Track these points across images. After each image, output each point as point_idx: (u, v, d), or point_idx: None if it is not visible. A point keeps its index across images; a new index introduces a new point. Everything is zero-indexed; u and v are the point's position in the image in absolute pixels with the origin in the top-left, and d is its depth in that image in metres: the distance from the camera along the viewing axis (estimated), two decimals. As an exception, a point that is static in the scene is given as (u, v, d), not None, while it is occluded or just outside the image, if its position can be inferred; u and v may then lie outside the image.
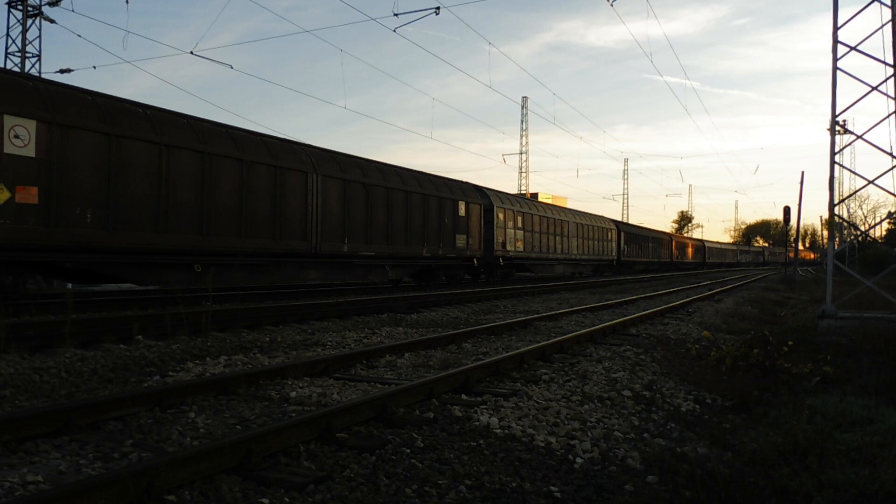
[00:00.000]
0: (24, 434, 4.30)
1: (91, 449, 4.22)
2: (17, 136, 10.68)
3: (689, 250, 71.12)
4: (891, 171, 11.69)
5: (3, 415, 4.57)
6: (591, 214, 42.56)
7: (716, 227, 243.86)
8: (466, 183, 26.36)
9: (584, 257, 38.43)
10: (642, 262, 51.53)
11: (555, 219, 33.71)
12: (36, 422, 4.41)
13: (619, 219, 73.75)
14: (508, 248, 27.85)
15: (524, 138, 61.81)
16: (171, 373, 6.97)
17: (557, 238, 33.92)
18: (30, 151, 10.92)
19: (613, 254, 44.36)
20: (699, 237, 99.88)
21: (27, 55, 26.13)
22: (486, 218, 26.23)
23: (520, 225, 29.15)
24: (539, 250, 31.31)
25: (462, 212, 24.29)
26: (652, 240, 55.34)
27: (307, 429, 4.39)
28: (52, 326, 8.55)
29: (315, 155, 17.53)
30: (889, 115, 11.74)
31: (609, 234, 43.56)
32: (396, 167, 21.64)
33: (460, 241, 24.10)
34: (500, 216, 27.23)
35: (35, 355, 7.54)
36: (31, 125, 10.97)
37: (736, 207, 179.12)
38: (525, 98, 61.65)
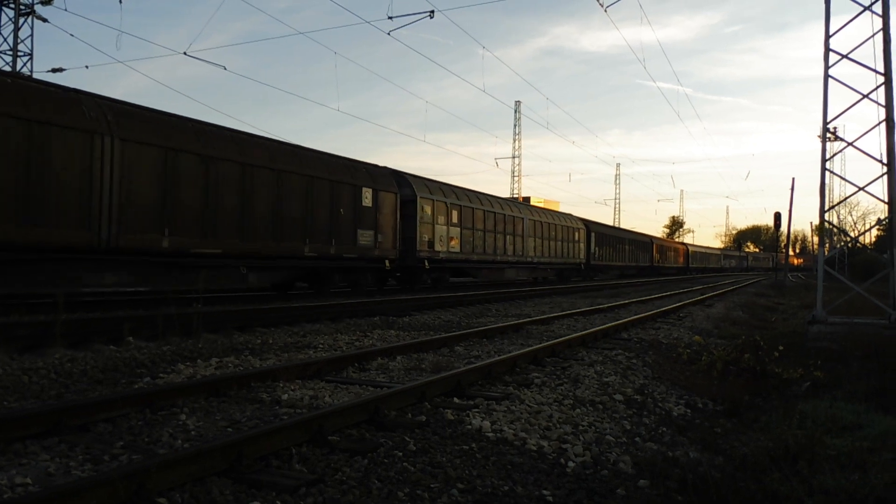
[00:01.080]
0: (13, 435, 4.26)
1: (81, 450, 4.19)
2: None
3: (671, 254, 67.27)
4: (881, 178, 11.76)
5: (-9, 416, 4.54)
6: (554, 212, 38.43)
7: (707, 233, 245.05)
8: (379, 167, 21.36)
9: (544, 260, 33.63)
10: (617, 266, 47.60)
11: (504, 215, 28.67)
12: (25, 423, 4.38)
13: (612, 223, 73.53)
14: (438, 247, 23.03)
15: (517, 142, 62.04)
16: (161, 374, 6.94)
17: (509, 237, 28.97)
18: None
19: (582, 256, 39.54)
20: (687, 241, 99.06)
21: (19, 54, 26.01)
22: (406, 211, 21.44)
23: (455, 221, 24.33)
24: (483, 251, 26.52)
25: (367, 201, 19.28)
26: (629, 242, 51.50)
27: (299, 431, 4.38)
28: (42, 326, 8.50)
29: (115, 111, 12.62)
30: (879, 123, 11.81)
31: (576, 234, 38.69)
32: (266, 139, 16.83)
33: (364, 237, 19.12)
34: (427, 209, 22.51)
35: (25, 356, 7.50)
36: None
37: (727, 213, 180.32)
38: (518, 102, 61.96)
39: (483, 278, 29.26)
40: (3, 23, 26.08)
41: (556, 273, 36.85)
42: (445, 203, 23.76)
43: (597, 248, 42.42)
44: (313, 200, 17.02)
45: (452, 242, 24.04)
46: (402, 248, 20.99)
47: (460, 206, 24.81)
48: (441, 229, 23.25)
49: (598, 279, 41.48)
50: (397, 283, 22.70)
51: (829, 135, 12.44)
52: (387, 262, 20.00)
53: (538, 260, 32.84)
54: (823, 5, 12.04)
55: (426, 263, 22.30)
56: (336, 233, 17.85)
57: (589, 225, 41.67)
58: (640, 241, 55.34)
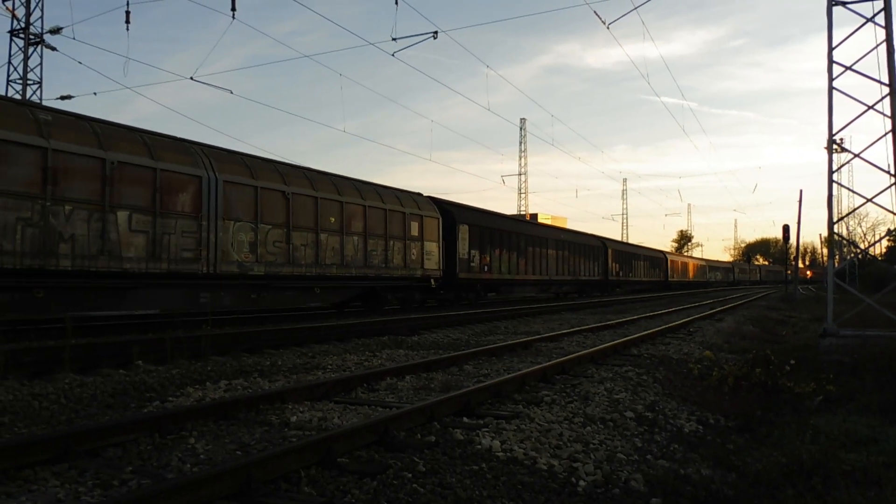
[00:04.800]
0: (23, 461, 4.26)
1: (90, 476, 4.19)
2: None
3: (684, 268, 65.44)
4: (889, 189, 11.73)
5: (1, 442, 4.54)
6: (573, 231, 39.85)
7: (715, 246, 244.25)
8: (421, 195, 22.87)
9: (566, 278, 34.84)
10: (632, 281, 48.12)
11: (528, 235, 30.48)
12: (35, 449, 4.38)
13: (620, 239, 72.93)
14: (474, 266, 24.84)
15: (523, 159, 62.20)
16: (170, 398, 6.94)
17: (533, 257, 30.55)
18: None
19: (600, 273, 40.67)
20: (696, 255, 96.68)
21: (28, 82, 26.34)
22: (447, 234, 22.96)
23: (486, 242, 25.86)
24: (508, 270, 27.88)
25: (415, 227, 21.01)
26: (644, 258, 51.97)
27: (308, 454, 4.36)
28: (51, 352, 8.52)
29: (214, 156, 14.71)
30: (886, 134, 11.80)
31: (594, 251, 40.15)
32: (330, 174, 18.51)
33: (413, 260, 20.81)
34: (464, 233, 24.17)
35: (34, 381, 7.51)
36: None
37: (735, 226, 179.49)
38: (523, 119, 62.20)
39: (511, 294, 30.68)
40: (13, 52, 26.47)
41: (577, 289, 38.22)
42: (479, 227, 25.68)
43: (614, 265, 43.24)
44: (370, 227, 19.05)
45: (485, 262, 25.86)
46: (446, 269, 22.95)
47: (491, 228, 26.68)
48: (475, 250, 25.14)
49: (615, 294, 41.91)
50: (440, 300, 24.27)
51: (835, 146, 12.41)
52: (432, 280, 21.93)
53: (560, 278, 34.11)
54: (826, 18, 12.09)
55: (465, 282, 24.49)
56: (389, 257, 19.83)
57: (606, 242, 42.85)
58: (654, 257, 55.84)
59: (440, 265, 22.38)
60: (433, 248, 22.05)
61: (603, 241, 42.54)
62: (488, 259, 26.04)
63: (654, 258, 56.20)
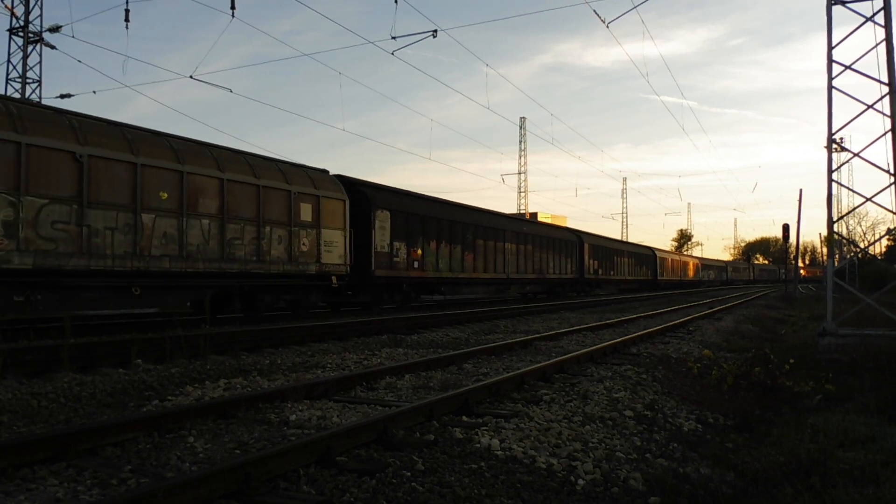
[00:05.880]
0: (22, 460, 4.26)
1: (89, 475, 4.19)
2: None
3: (678, 267, 61.82)
4: (889, 188, 11.74)
5: (0, 441, 4.54)
6: (539, 223, 34.54)
7: (716, 246, 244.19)
8: (320, 171, 18.26)
9: (528, 276, 29.89)
10: (614, 280, 43.37)
11: (476, 226, 25.41)
12: (33, 448, 4.38)
13: (620, 238, 72.34)
14: (399, 262, 20.45)
15: (522, 158, 62.16)
16: (169, 397, 6.94)
17: (484, 250, 25.76)
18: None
19: (573, 271, 35.68)
20: (696, 254, 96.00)
21: (28, 81, 26.32)
22: (359, 221, 18.69)
23: (418, 232, 21.62)
24: (450, 267, 23.42)
25: (307, 210, 16.66)
26: (629, 255, 47.12)
27: (307, 452, 4.37)
28: (50, 351, 8.52)
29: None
30: (885, 133, 11.80)
31: (567, 246, 35.03)
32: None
33: (303, 250, 16.44)
34: (384, 219, 19.87)
35: (33, 380, 7.51)
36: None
37: (735, 225, 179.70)
38: (523, 118, 62.03)
39: (452, 295, 26.17)
40: (12, 51, 26.45)
41: (545, 289, 33.37)
42: (406, 213, 21.11)
43: (592, 262, 38.54)
44: (232, 207, 14.54)
45: (415, 256, 21.31)
46: (356, 264, 18.39)
47: (424, 216, 22.15)
48: (400, 242, 20.54)
49: (596, 295, 37.82)
50: (349, 304, 19.85)
51: (834, 145, 12.41)
52: (334, 279, 17.29)
53: (522, 276, 29.19)
54: (825, 17, 12.09)
55: (384, 280, 19.80)
56: (265, 247, 15.31)
57: (582, 236, 38.08)
58: (641, 254, 51.24)
59: (346, 259, 17.72)
60: (336, 237, 17.42)
61: (578, 235, 37.81)
62: (419, 253, 21.44)
63: (642, 255, 51.38)
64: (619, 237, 70.89)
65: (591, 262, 38.44)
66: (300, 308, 16.91)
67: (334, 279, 17.32)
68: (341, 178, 18.97)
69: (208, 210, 14.01)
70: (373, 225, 19.24)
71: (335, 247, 17.43)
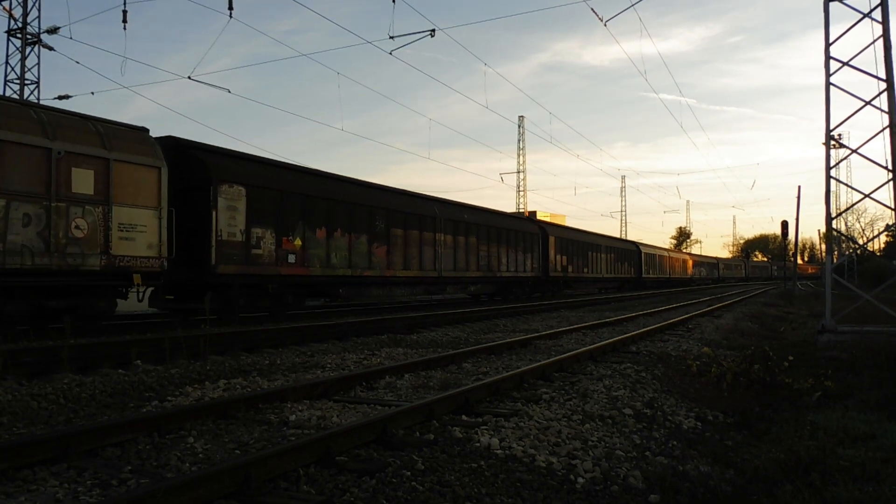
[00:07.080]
0: (22, 462, 4.26)
1: (89, 476, 4.19)
2: None
3: (669, 265, 57.74)
4: (887, 185, 11.74)
5: (0, 442, 4.54)
6: (488, 210, 28.27)
7: (715, 243, 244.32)
8: (128, 126, 12.70)
9: (469, 275, 24.79)
10: (589, 278, 38.32)
11: (392, 210, 20.27)
12: (34, 449, 4.38)
13: (619, 236, 71.92)
14: (263, 255, 15.23)
15: (521, 157, 62.09)
16: (169, 397, 6.94)
17: (403, 242, 20.76)
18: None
19: (534, 269, 30.44)
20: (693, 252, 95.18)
21: (26, 82, 26.29)
22: (194, 197, 13.75)
23: (297, 215, 16.33)
24: (349, 263, 18.02)
25: (86, 182, 10.96)
26: (608, 250, 42.19)
27: (307, 452, 4.37)
28: (50, 352, 8.52)
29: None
30: (883, 129, 11.80)
31: (526, 239, 29.83)
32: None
33: (75, 236, 10.90)
34: (236, 197, 14.33)
35: (33, 381, 7.51)
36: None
37: (734, 223, 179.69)
38: (522, 117, 62.06)
39: (354, 300, 21.40)
40: (10, 52, 26.41)
41: (497, 290, 28.93)
42: (278, 192, 15.92)
43: (559, 257, 33.30)
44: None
45: (291, 248, 16.22)
46: (187, 258, 13.67)
47: (310, 196, 16.93)
48: (266, 229, 15.47)
49: (563, 297, 32.88)
50: (175, 310, 14.75)
51: (832, 142, 12.43)
52: (137, 277, 12.41)
53: (460, 275, 24.14)
54: (823, 14, 12.09)
55: (234, 279, 14.51)
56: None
57: (546, 228, 33.07)
58: (623, 250, 46.38)
59: (161, 251, 12.80)
60: (144, 218, 12.52)
61: (542, 227, 32.73)
62: (298, 244, 16.40)
63: (624, 251, 46.40)
64: (618, 235, 70.59)
65: (559, 257, 33.21)
66: (85, 318, 11.66)
67: (137, 277, 12.39)
68: (171, 140, 14.36)
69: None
70: (214, 203, 14.07)
71: (141, 232, 12.45)
